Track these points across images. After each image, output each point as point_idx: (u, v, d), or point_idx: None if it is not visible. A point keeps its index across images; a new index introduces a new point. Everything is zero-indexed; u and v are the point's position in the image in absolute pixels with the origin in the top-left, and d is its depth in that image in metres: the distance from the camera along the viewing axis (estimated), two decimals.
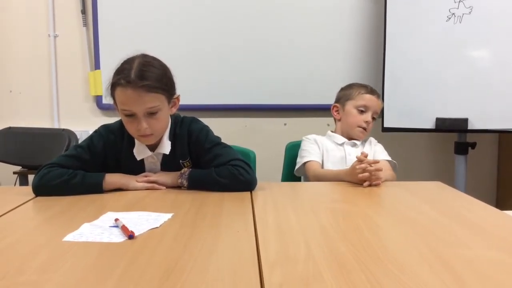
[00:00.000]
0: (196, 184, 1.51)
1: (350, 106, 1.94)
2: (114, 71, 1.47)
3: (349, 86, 1.99)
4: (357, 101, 1.93)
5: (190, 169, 1.55)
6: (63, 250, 0.97)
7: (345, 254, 0.93)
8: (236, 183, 1.49)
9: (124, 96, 1.42)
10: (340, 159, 1.86)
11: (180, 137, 1.60)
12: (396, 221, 1.20)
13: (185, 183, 1.51)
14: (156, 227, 1.12)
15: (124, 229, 1.08)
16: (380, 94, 2.01)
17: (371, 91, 1.94)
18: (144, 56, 1.49)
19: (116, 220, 1.15)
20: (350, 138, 1.94)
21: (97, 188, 1.47)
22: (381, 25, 2.73)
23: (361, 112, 1.92)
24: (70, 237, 1.06)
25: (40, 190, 1.45)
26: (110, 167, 1.57)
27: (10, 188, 1.65)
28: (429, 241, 1.02)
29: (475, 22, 2.54)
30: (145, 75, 1.41)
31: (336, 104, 1.99)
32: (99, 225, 1.15)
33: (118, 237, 1.06)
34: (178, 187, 1.53)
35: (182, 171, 1.54)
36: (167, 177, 1.55)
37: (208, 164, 1.54)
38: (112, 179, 1.50)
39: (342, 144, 1.91)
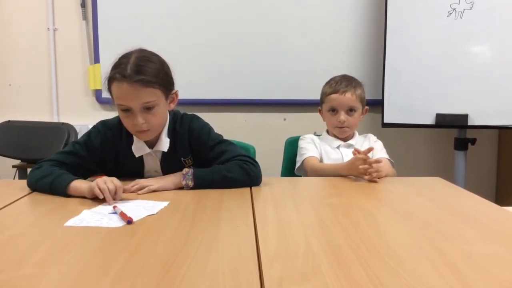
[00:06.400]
0: (204, 182, 1.46)
1: (324, 109, 1.93)
2: (111, 65, 1.45)
3: (323, 86, 1.95)
4: (326, 103, 1.90)
5: (193, 169, 1.50)
6: (61, 244, 0.97)
7: (345, 249, 0.93)
8: (246, 178, 1.48)
9: (120, 90, 1.41)
10: (337, 161, 1.85)
11: (180, 135, 1.58)
12: (395, 217, 1.20)
13: (190, 183, 1.45)
14: (153, 214, 1.18)
15: (122, 215, 1.12)
16: (350, 82, 1.89)
17: (336, 88, 1.87)
18: (141, 50, 1.47)
19: (114, 207, 1.20)
20: (344, 138, 1.94)
21: (62, 194, 1.36)
22: (381, 20, 2.72)
23: (333, 112, 1.89)
24: (71, 222, 1.11)
25: (28, 184, 1.45)
26: (109, 164, 1.57)
27: (9, 182, 1.65)
28: (428, 236, 1.02)
29: (476, 18, 2.53)
30: (141, 70, 1.40)
31: (319, 107, 1.99)
32: (98, 212, 1.20)
33: (117, 222, 1.11)
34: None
35: (184, 171, 1.47)
36: (167, 182, 1.47)
37: (212, 162, 1.52)
38: (79, 185, 1.37)
39: (338, 147, 1.91)
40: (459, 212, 1.24)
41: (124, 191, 1.35)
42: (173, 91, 1.53)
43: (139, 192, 1.40)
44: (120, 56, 1.46)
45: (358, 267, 0.83)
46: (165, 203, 1.27)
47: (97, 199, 1.31)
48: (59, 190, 1.36)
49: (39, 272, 0.82)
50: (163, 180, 1.47)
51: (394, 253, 0.91)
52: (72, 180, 1.38)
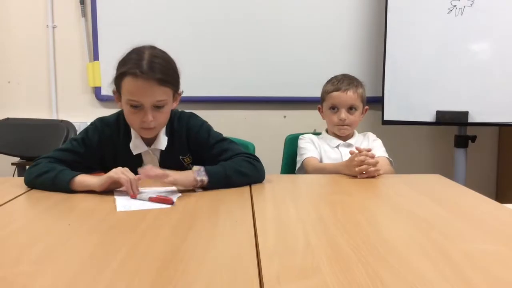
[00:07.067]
0: (218, 177, 1.39)
1: (325, 107, 1.93)
2: (120, 59, 1.45)
3: (324, 85, 1.95)
4: (327, 101, 1.90)
5: (202, 166, 1.40)
6: (60, 241, 0.97)
7: (344, 246, 0.92)
8: (256, 174, 1.47)
9: (134, 86, 1.40)
10: (336, 161, 1.84)
11: (178, 133, 1.58)
12: (395, 214, 1.20)
13: (205, 179, 1.36)
14: (181, 195, 1.31)
15: (162, 199, 1.23)
16: (352, 81, 1.88)
17: (338, 86, 1.87)
18: (153, 48, 1.47)
19: (133, 196, 1.28)
20: (344, 137, 1.93)
21: (65, 189, 1.35)
22: (382, 17, 2.71)
23: (334, 110, 1.89)
24: (120, 207, 1.20)
25: (26, 182, 1.43)
26: (108, 162, 1.55)
27: (8, 179, 1.64)
28: (428, 234, 1.01)
29: (476, 15, 2.52)
30: (157, 68, 1.40)
31: (319, 106, 1.98)
32: (129, 198, 1.29)
33: (157, 204, 1.22)
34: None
35: (194, 169, 1.39)
36: (184, 178, 1.37)
37: (213, 159, 1.51)
38: (85, 179, 1.37)
39: (337, 146, 1.90)
40: (459, 210, 1.24)
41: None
42: (179, 91, 1.53)
43: (162, 179, 1.33)
44: (130, 50, 1.45)
45: (357, 264, 0.83)
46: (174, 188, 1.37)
47: (101, 193, 1.32)
48: (62, 185, 1.35)
49: (37, 269, 0.81)
50: (182, 175, 1.37)
51: (393, 251, 0.90)
52: (76, 174, 1.37)
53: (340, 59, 2.92)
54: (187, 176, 1.38)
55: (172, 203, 1.22)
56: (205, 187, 1.38)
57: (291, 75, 2.93)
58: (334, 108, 1.88)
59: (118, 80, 1.43)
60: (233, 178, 1.42)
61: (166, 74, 1.42)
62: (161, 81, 1.40)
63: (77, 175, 1.37)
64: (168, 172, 1.35)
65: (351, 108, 1.87)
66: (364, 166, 1.57)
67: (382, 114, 2.68)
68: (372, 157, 1.59)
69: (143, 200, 1.26)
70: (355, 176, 1.59)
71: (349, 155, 1.67)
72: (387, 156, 1.86)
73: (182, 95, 1.58)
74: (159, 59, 1.43)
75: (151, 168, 1.35)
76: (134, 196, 1.28)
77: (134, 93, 1.41)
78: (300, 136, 1.97)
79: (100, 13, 2.87)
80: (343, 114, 1.86)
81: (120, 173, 1.33)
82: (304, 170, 1.85)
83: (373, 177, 1.58)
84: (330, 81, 1.93)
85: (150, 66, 1.39)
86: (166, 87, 1.43)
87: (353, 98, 1.86)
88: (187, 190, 1.38)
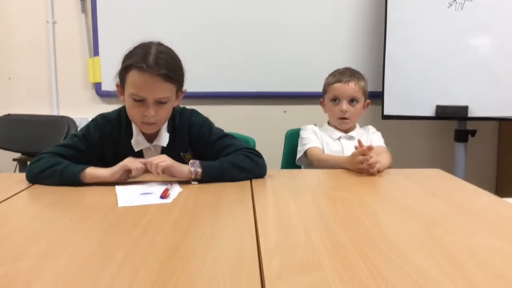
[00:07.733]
0: (212, 170, 1.42)
1: (326, 100, 1.93)
2: (126, 53, 1.45)
3: (326, 78, 1.95)
4: (329, 93, 1.91)
5: (199, 160, 1.44)
6: (62, 237, 0.97)
7: (345, 242, 0.93)
8: (255, 168, 1.48)
9: (139, 80, 1.40)
10: (338, 153, 1.85)
11: (180, 129, 1.58)
12: (395, 209, 1.20)
13: (199, 170, 1.40)
14: (181, 191, 1.32)
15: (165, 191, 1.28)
16: (354, 74, 1.90)
17: (339, 78, 1.88)
18: (160, 44, 1.47)
19: (169, 186, 1.33)
20: (345, 130, 1.93)
21: (75, 181, 1.38)
22: (382, 11, 2.71)
23: (335, 102, 1.89)
24: (122, 203, 1.20)
25: (28, 177, 1.43)
26: (108, 158, 1.55)
27: (10, 175, 1.65)
28: (428, 228, 1.02)
29: (476, 9, 2.52)
30: (163, 64, 1.40)
31: (321, 99, 1.99)
32: (132, 192, 1.31)
33: (160, 200, 1.24)
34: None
35: (190, 161, 1.43)
36: (179, 167, 1.41)
37: (215, 156, 1.51)
38: (96, 171, 1.40)
39: (338, 139, 1.90)
40: (459, 204, 1.24)
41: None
42: (183, 89, 1.53)
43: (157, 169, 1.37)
44: (137, 45, 1.46)
45: (358, 260, 0.83)
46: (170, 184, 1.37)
47: (103, 189, 1.34)
48: (71, 178, 1.37)
49: (39, 265, 0.82)
50: (177, 164, 1.41)
51: (394, 246, 0.91)
52: (86, 167, 1.39)
53: (340, 53, 2.91)
54: (181, 166, 1.42)
55: (161, 197, 1.26)
56: (200, 180, 1.41)
57: (292, 70, 2.93)
58: (335, 100, 1.89)
59: (123, 73, 1.44)
60: (229, 171, 1.43)
61: (171, 70, 1.42)
62: (165, 77, 1.40)
63: (87, 167, 1.40)
64: (162, 157, 1.41)
65: (352, 100, 1.88)
66: (365, 164, 1.57)
67: (382, 108, 2.69)
68: (372, 149, 1.58)
69: (149, 193, 1.30)
70: (357, 172, 1.59)
71: (350, 147, 1.67)
72: (385, 146, 1.86)
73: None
74: (165, 55, 1.43)
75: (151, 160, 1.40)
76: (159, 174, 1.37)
77: (138, 87, 1.41)
78: (303, 127, 1.97)
79: (100, 9, 2.87)
80: (344, 105, 1.86)
81: (133, 161, 1.40)
82: (306, 160, 1.85)
83: (373, 174, 1.58)
84: (332, 73, 1.94)
85: (156, 62, 1.39)
86: (170, 84, 1.43)
87: (355, 90, 1.87)
88: (185, 184, 1.39)
